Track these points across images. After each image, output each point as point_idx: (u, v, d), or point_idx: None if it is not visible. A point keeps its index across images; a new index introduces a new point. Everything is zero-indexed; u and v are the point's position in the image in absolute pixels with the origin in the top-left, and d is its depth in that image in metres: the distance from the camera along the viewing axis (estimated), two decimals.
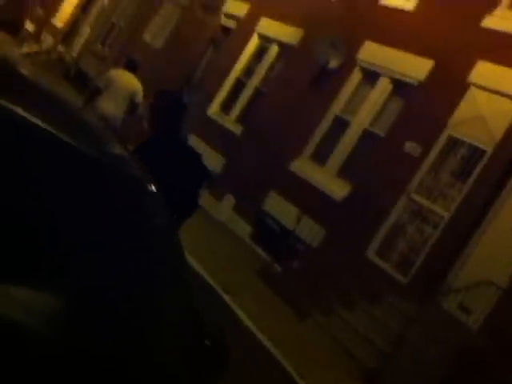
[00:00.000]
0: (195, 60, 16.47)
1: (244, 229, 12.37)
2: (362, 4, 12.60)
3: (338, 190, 11.24)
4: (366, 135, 11.58)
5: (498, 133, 9.36)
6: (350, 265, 9.83)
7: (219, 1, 16.56)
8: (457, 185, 9.71)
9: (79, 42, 21.99)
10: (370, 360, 8.52)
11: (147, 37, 18.85)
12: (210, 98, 15.22)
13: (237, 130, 14.12)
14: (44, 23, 23.94)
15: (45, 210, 2.49)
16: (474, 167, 9.56)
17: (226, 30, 16.21)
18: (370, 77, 11.98)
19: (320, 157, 12.13)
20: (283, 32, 14.15)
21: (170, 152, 4.97)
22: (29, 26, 24.44)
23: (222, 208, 13.02)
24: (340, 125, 12.08)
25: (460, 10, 10.69)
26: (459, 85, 10.04)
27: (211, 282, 9.09)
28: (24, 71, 3.16)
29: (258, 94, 14.38)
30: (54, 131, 2.61)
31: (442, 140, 10.16)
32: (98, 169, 2.71)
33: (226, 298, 9.00)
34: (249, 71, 14.97)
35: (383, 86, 11.66)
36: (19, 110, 2.57)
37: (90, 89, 12.26)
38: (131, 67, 10.81)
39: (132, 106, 10.57)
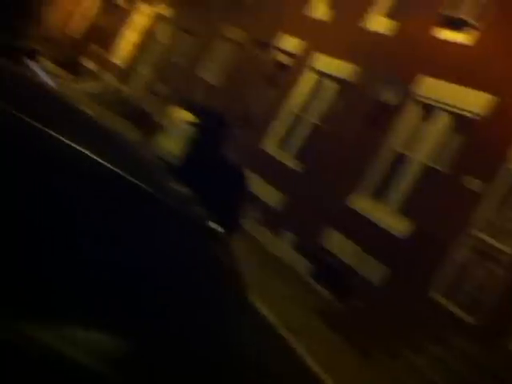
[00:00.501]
0: (251, 96, 16.60)
1: (304, 266, 12.32)
2: (419, 39, 12.55)
3: (400, 226, 11.13)
4: (427, 171, 11.47)
5: None
6: (413, 304, 9.69)
7: (274, 37, 16.70)
8: None
9: (138, 80, 22.38)
10: None
11: (204, 74, 19.09)
12: (266, 134, 15.30)
13: (295, 166, 14.15)
14: (103, 61, 24.44)
15: (110, 254, 2.51)
16: None
17: (281, 66, 16.32)
18: (429, 112, 11.89)
19: (380, 193, 12.05)
20: (339, 68, 14.17)
21: (211, 170, 4.94)
22: (88, 63, 25.02)
23: (281, 245, 13.01)
24: (399, 160, 12.00)
25: None
26: None
27: (272, 320, 9.05)
28: (84, 109, 3.20)
29: (315, 129, 14.40)
30: (115, 169, 2.64)
31: (504, 174, 10.01)
32: (160, 208, 2.72)
33: (288, 337, 8.95)
34: (305, 107, 15.02)
35: (442, 121, 11.57)
36: (82, 149, 2.60)
37: (149, 126, 12.46)
38: (188, 105, 10.97)
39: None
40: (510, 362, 8.18)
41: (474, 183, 10.25)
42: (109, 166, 2.62)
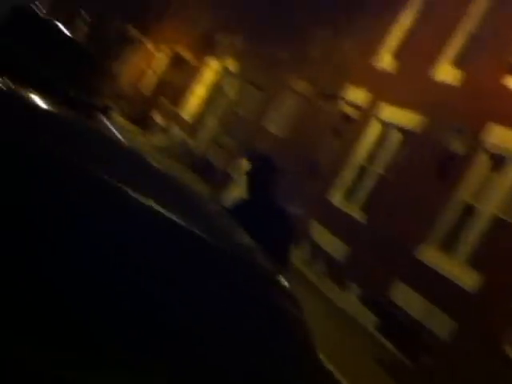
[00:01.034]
0: (317, 147, 16.59)
1: (370, 319, 12.06)
2: (487, 87, 12.36)
3: (470, 280, 10.80)
4: (497, 222, 11.16)
5: None
6: (484, 361, 9.32)
7: (340, 89, 16.73)
8: None
9: (206, 134, 22.70)
10: None
11: (270, 126, 19.22)
12: (332, 185, 15.22)
13: (361, 217, 13.98)
14: (171, 115, 24.94)
15: (176, 305, 2.49)
16: None
17: (346, 118, 16.30)
18: (499, 162, 11.62)
19: (448, 245, 11.76)
20: (405, 118, 14.05)
21: (261, 214, 4.97)
22: (157, 118, 25.56)
23: (346, 297, 12.79)
24: (468, 212, 11.73)
25: None
26: None
27: (340, 377, 8.84)
28: (154, 163, 3.24)
29: (381, 181, 14.24)
30: (182, 223, 2.66)
31: None
32: (227, 260, 2.72)
33: None
34: (371, 158, 14.90)
35: None
36: (150, 202, 2.64)
37: (216, 179, 12.57)
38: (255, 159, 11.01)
39: None
40: None
41: None
42: (177, 220, 2.67)
